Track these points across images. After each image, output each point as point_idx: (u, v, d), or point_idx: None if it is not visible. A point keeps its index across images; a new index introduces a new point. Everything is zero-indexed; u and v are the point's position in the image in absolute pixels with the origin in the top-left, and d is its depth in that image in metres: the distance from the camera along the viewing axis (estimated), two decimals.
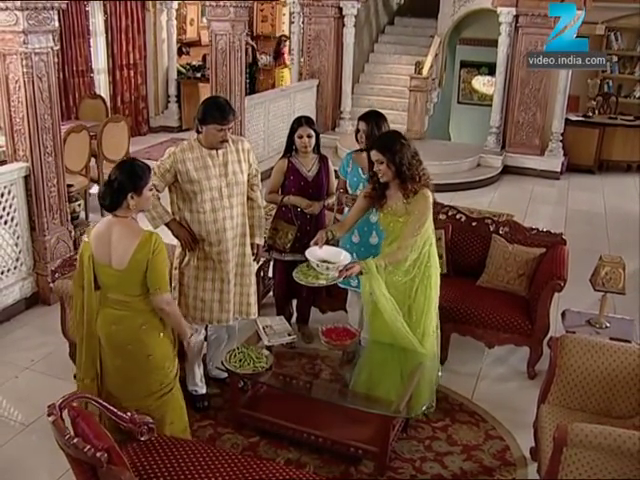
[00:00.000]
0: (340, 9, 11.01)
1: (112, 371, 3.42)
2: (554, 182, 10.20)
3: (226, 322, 4.18)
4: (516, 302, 4.92)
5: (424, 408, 3.80)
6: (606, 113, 11.17)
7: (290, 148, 4.74)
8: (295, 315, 5.15)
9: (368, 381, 4.09)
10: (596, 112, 11.15)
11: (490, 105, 10.90)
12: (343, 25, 11.11)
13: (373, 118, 4.50)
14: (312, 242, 3.98)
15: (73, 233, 5.88)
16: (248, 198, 4.22)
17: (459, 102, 13.67)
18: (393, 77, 11.99)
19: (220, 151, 4.00)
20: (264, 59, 14.53)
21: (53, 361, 4.83)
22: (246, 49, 12.58)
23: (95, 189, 7.97)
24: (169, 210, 4.08)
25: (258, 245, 4.35)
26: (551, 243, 5.09)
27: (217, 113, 3.87)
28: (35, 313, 5.56)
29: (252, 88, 13.44)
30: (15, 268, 5.52)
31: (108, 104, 10.32)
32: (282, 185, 4.76)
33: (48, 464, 3.77)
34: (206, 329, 4.43)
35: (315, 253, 3.86)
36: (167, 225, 4.01)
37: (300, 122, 4.65)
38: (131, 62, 11.49)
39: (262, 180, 4.47)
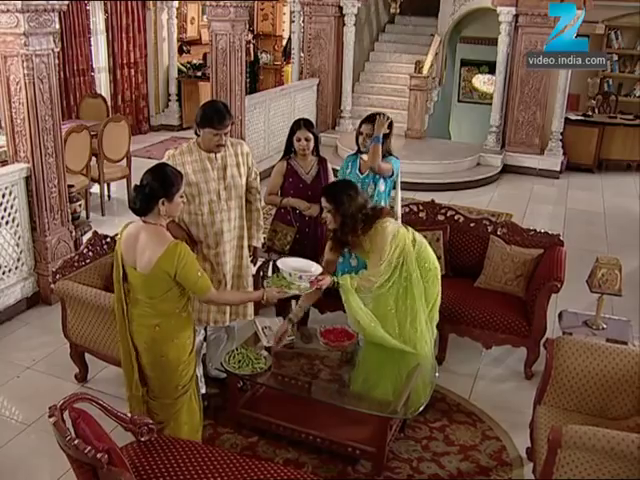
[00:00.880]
0: (340, 8, 11.03)
1: (144, 365, 3.49)
2: (554, 181, 10.23)
3: (223, 323, 4.22)
4: (513, 303, 4.95)
5: (421, 409, 3.82)
6: (606, 112, 11.19)
7: (289, 150, 4.77)
8: None
9: (366, 382, 4.13)
10: (596, 111, 11.17)
11: (490, 103, 10.92)
12: (343, 24, 11.13)
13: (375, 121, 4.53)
14: (276, 340, 4.08)
15: (74, 233, 5.92)
16: (247, 201, 4.25)
17: (459, 100, 13.70)
18: (393, 76, 12.00)
19: (219, 154, 4.03)
20: (265, 57, 14.55)
21: (54, 361, 4.86)
22: (247, 47, 12.64)
23: (95, 189, 8.02)
24: None
25: (255, 247, 4.38)
26: (549, 244, 5.11)
27: (213, 117, 3.90)
28: (36, 313, 5.60)
29: (254, 87, 13.45)
30: (16, 268, 5.56)
31: (109, 103, 10.36)
32: (281, 187, 4.79)
33: (49, 464, 3.81)
34: (205, 330, 4.46)
35: (287, 263, 3.88)
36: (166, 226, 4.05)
37: (299, 125, 4.68)
38: (132, 61, 11.52)
39: (262, 179, 4.51)
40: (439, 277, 4.22)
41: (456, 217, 5.45)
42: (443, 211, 5.49)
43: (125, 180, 8.18)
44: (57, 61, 5.49)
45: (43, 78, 5.30)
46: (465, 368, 4.93)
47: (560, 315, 5.03)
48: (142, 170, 3.38)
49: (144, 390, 3.52)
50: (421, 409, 3.82)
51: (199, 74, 12.78)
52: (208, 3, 7.42)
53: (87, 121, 8.48)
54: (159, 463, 3.09)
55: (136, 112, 11.82)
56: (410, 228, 4.19)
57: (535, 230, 5.27)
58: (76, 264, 4.59)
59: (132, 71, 11.59)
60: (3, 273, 5.45)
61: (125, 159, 8.19)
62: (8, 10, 4.96)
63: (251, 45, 13.54)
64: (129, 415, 3.13)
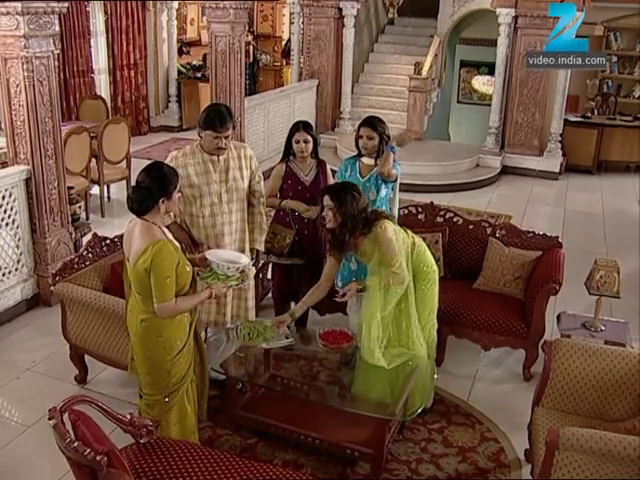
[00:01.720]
0: (340, 9, 11.04)
1: (134, 355, 3.55)
2: (553, 182, 10.24)
3: (222, 325, 4.23)
4: (512, 305, 4.96)
5: (419, 411, 3.84)
6: (605, 113, 11.20)
7: (288, 152, 4.79)
8: None
9: (365, 384, 4.13)
10: (595, 112, 11.18)
11: (489, 105, 10.93)
12: (343, 25, 11.14)
13: (379, 124, 4.53)
14: (276, 322, 4.11)
15: (74, 235, 5.93)
16: (249, 204, 4.26)
17: (459, 101, 13.71)
18: (393, 77, 12.01)
19: (221, 157, 4.05)
20: (265, 59, 14.56)
21: (54, 362, 4.88)
22: (247, 49, 12.67)
23: (95, 190, 8.03)
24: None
25: (258, 251, 4.40)
26: (547, 246, 5.13)
27: (215, 120, 3.92)
28: (36, 314, 5.61)
29: (254, 88, 13.45)
30: (16, 270, 5.57)
31: (109, 104, 10.38)
32: (280, 189, 4.80)
33: (49, 465, 3.82)
34: (206, 331, 4.47)
35: (217, 254, 3.72)
36: (167, 227, 4.06)
37: (298, 127, 4.70)
38: (132, 62, 11.55)
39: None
40: (437, 280, 4.23)
41: (455, 219, 5.46)
42: (442, 213, 5.50)
43: (125, 181, 8.19)
44: (57, 63, 5.50)
45: (43, 80, 5.32)
46: (464, 370, 4.94)
47: (559, 317, 5.05)
48: None
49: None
50: (419, 411, 3.84)
51: (199, 75, 12.80)
52: (208, 5, 7.43)
53: (87, 122, 8.52)
54: (158, 465, 3.10)
55: (136, 113, 11.84)
56: (409, 232, 4.20)
57: (534, 232, 5.29)
58: (76, 266, 4.60)
59: (132, 72, 11.61)
60: (3, 275, 5.47)
61: (125, 160, 8.21)
62: (8, 13, 4.98)
63: (251, 46, 13.55)
64: (128, 417, 3.15)
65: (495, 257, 5.13)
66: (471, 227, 5.40)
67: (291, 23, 12.45)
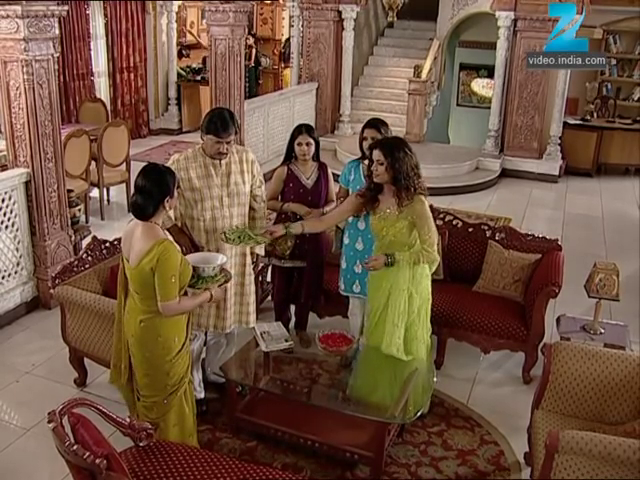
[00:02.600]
0: (339, 12, 11.06)
1: (132, 357, 3.55)
2: (552, 185, 10.24)
3: (222, 330, 4.22)
4: (512, 308, 4.96)
5: (419, 414, 3.84)
6: (604, 116, 11.21)
7: (290, 155, 4.79)
8: (293, 320, 5.20)
9: (364, 386, 4.14)
10: (594, 115, 11.19)
11: (489, 107, 10.94)
12: (342, 28, 11.15)
13: (382, 126, 4.53)
14: (266, 231, 4.12)
15: (73, 238, 5.93)
16: (251, 208, 4.25)
17: (458, 104, 13.70)
18: (392, 80, 12.02)
19: (223, 161, 4.04)
20: (265, 61, 14.58)
21: (53, 365, 4.87)
22: (249, 52, 12.67)
23: (95, 193, 8.03)
24: (171, 215, 4.13)
25: (258, 255, 4.39)
26: (547, 249, 5.13)
27: (217, 125, 3.91)
28: (35, 317, 5.61)
29: (255, 90, 13.45)
30: (16, 273, 5.57)
31: (108, 107, 10.39)
32: (281, 192, 4.80)
33: (48, 468, 3.82)
34: (205, 334, 4.47)
35: (194, 259, 3.65)
36: (168, 230, 4.05)
37: (300, 130, 4.70)
38: (131, 65, 11.55)
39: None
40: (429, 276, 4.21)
41: (454, 222, 5.46)
42: (441, 216, 5.49)
43: (125, 184, 8.19)
44: (57, 66, 5.50)
45: (43, 83, 5.32)
46: (463, 373, 4.94)
47: (558, 320, 5.05)
48: None
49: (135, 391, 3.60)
50: (419, 414, 3.84)
51: (199, 78, 12.81)
52: (207, 8, 7.45)
53: (87, 125, 8.52)
54: (157, 468, 3.10)
55: (136, 116, 11.85)
56: None
57: (533, 235, 5.29)
58: (75, 269, 4.60)
59: (132, 75, 11.61)
60: (2, 277, 5.47)
61: (124, 163, 8.21)
62: (8, 16, 4.98)
63: (253, 49, 13.54)
64: (128, 420, 3.15)
65: (495, 260, 5.13)
66: (470, 230, 5.41)
67: (291, 26, 12.47)
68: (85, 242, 5.49)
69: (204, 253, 3.92)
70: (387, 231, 3.99)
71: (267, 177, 5.04)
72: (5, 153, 5.75)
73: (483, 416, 4.43)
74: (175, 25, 12.39)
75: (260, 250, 4.41)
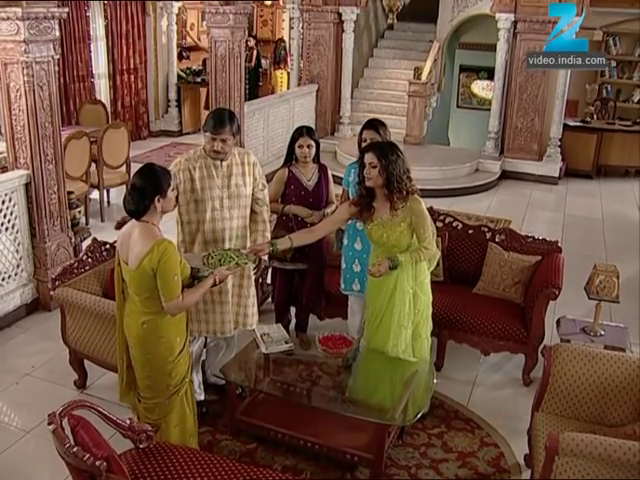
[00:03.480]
0: (339, 14, 11.07)
1: (133, 359, 3.56)
2: (552, 187, 10.25)
3: (222, 334, 4.21)
4: (512, 309, 4.96)
5: (419, 416, 3.84)
6: (604, 118, 11.23)
7: (290, 157, 4.79)
8: (294, 322, 5.20)
9: (364, 388, 4.14)
10: (594, 117, 11.20)
11: (489, 109, 10.94)
12: (342, 30, 11.17)
13: (381, 127, 4.53)
14: (251, 250, 3.89)
15: (73, 239, 5.93)
16: (252, 211, 4.24)
17: (458, 106, 13.68)
18: (392, 82, 12.04)
19: (224, 162, 4.04)
20: (264, 63, 14.59)
21: (53, 367, 4.87)
22: (250, 53, 12.67)
23: (95, 195, 8.04)
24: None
25: (260, 260, 4.37)
26: (547, 251, 5.13)
27: (213, 122, 3.92)
28: (35, 319, 5.61)
29: (256, 92, 13.44)
30: (16, 274, 5.57)
31: (108, 109, 10.40)
32: (282, 194, 4.80)
33: (48, 471, 3.82)
34: (205, 337, 4.46)
35: (192, 258, 3.66)
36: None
37: (301, 132, 4.70)
38: (131, 67, 11.56)
39: None
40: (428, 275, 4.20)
41: (454, 224, 5.46)
42: (441, 218, 5.50)
43: (125, 186, 8.17)
44: (57, 68, 5.50)
45: (43, 85, 5.33)
46: (463, 375, 4.93)
47: (558, 322, 5.05)
48: None
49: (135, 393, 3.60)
50: (419, 416, 3.83)
51: (199, 80, 12.81)
52: (207, 10, 7.45)
53: (87, 127, 8.52)
54: (157, 470, 3.10)
55: (136, 118, 11.85)
56: None
57: (533, 237, 5.29)
58: (75, 271, 4.60)
59: (132, 77, 11.62)
60: (2, 279, 5.46)
61: (125, 165, 8.22)
62: (8, 18, 4.98)
63: (254, 51, 13.54)
64: (128, 422, 3.15)
65: (495, 262, 5.13)
66: (471, 232, 5.40)
67: (291, 28, 12.48)
68: (85, 244, 5.49)
69: (198, 253, 3.89)
70: (387, 237, 3.98)
71: (267, 179, 5.04)
72: (5, 155, 5.75)
73: (483, 418, 4.43)
74: (175, 27, 12.41)
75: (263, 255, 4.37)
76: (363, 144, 4.52)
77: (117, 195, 8.55)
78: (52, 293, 4.54)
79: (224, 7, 7.25)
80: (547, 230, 7.71)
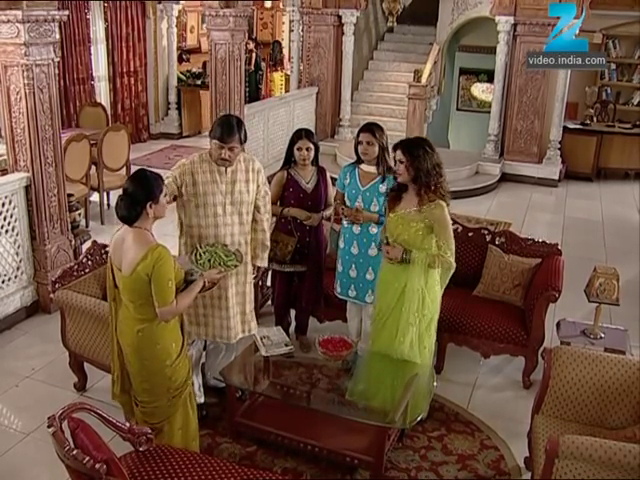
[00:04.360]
0: (339, 17, 11.09)
1: (128, 365, 3.54)
2: (552, 190, 10.26)
3: (221, 339, 4.20)
4: (512, 312, 4.95)
5: (418, 419, 3.84)
6: (604, 121, 11.21)
7: (289, 160, 4.79)
8: (293, 324, 5.20)
9: (364, 391, 4.13)
10: (594, 119, 11.20)
11: (489, 112, 10.95)
12: (342, 33, 11.19)
13: (377, 130, 4.54)
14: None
15: (73, 242, 5.93)
16: (253, 219, 4.22)
17: (458, 109, 13.70)
18: (392, 84, 12.04)
19: (229, 169, 4.03)
20: (264, 66, 14.60)
21: (53, 370, 4.87)
22: (250, 56, 12.68)
23: (95, 197, 8.04)
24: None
25: (259, 267, 4.37)
26: (547, 253, 5.13)
27: (222, 131, 3.90)
28: (35, 322, 5.61)
29: (256, 94, 13.45)
30: (16, 277, 5.57)
31: (109, 111, 10.40)
32: (281, 197, 4.80)
33: (47, 473, 3.81)
34: (205, 340, 4.46)
35: (184, 260, 3.67)
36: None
37: (300, 135, 4.70)
38: (132, 69, 11.57)
39: None
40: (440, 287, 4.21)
41: (454, 226, 5.40)
42: None
43: None
44: (57, 70, 5.51)
45: (43, 88, 5.33)
46: (463, 377, 4.93)
47: (558, 324, 5.05)
48: None
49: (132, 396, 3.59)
50: (419, 419, 3.83)
51: (199, 82, 12.82)
52: (207, 12, 7.46)
53: (87, 130, 8.52)
54: (157, 473, 3.10)
55: (136, 120, 11.86)
56: None
57: (533, 239, 5.29)
58: (75, 273, 4.60)
59: (132, 80, 11.63)
60: (2, 282, 5.47)
61: (125, 168, 8.21)
62: (9, 20, 4.99)
63: (254, 54, 13.55)
64: (127, 424, 3.14)
65: (494, 264, 5.13)
66: (470, 234, 5.40)
67: (291, 31, 12.48)
68: (85, 246, 5.49)
69: (188, 255, 3.84)
70: (401, 231, 3.99)
71: (267, 181, 5.04)
72: (5, 157, 5.75)
73: (483, 421, 4.43)
74: (175, 29, 12.43)
75: (261, 263, 4.34)
76: (359, 147, 4.56)
77: (117, 198, 8.53)
78: (52, 295, 4.54)
79: (224, 10, 7.27)
80: (547, 233, 7.70)
